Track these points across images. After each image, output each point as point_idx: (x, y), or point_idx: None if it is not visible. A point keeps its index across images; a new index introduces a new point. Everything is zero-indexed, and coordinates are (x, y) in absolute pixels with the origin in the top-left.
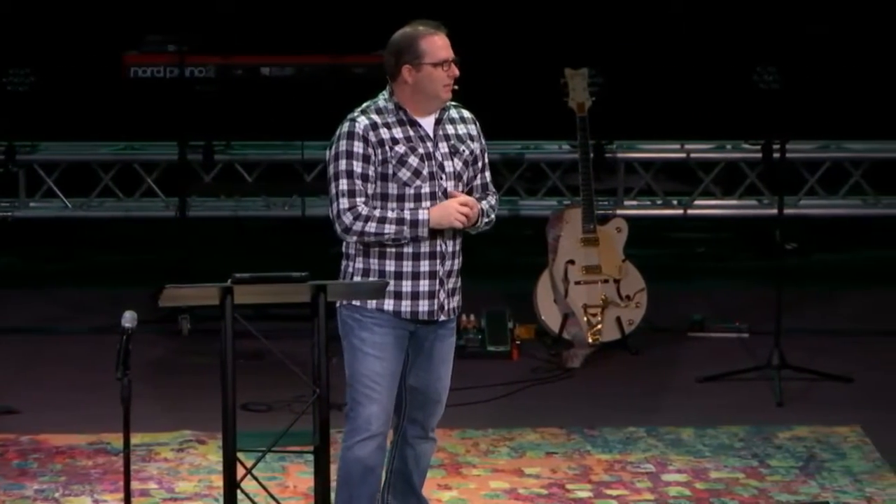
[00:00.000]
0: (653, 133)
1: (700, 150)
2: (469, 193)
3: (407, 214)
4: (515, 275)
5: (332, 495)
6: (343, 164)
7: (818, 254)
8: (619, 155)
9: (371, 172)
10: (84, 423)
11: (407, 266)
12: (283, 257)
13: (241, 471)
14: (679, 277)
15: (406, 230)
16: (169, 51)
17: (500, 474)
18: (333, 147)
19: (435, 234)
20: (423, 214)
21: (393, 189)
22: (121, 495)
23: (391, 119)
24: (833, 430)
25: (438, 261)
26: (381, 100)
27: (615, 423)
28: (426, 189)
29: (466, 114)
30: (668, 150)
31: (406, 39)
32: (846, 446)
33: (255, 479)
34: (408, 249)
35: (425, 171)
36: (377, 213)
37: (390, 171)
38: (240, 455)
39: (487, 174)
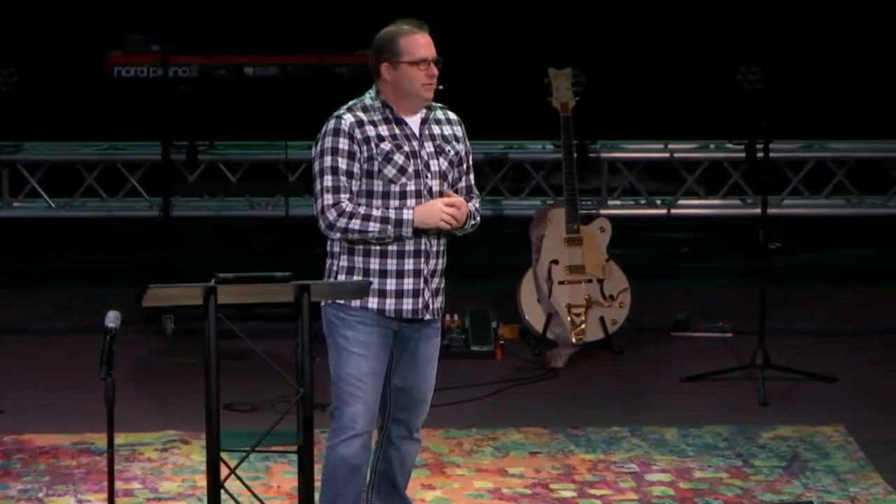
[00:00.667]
0: (636, 133)
1: (684, 149)
2: None
3: (391, 213)
4: (499, 274)
5: (317, 495)
6: (328, 160)
7: (802, 253)
8: (603, 155)
9: (356, 169)
10: (68, 423)
11: (391, 264)
12: (266, 257)
13: (224, 471)
14: (662, 277)
15: (390, 229)
16: (153, 51)
17: (484, 474)
18: (319, 144)
19: (420, 232)
20: (407, 214)
21: (378, 186)
22: (104, 495)
23: (377, 117)
24: (817, 430)
25: (423, 259)
26: (368, 98)
27: (599, 422)
28: (411, 187)
29: (452, 116)
30: (652, 150)
31: (387, 37)
32: (830, 446)
33: (239, 478)
34: (392, 247)
35: (411, 169)
36: (361, 210)
37: (376, 168)
38: (223, 455)
39: (472, 176)
